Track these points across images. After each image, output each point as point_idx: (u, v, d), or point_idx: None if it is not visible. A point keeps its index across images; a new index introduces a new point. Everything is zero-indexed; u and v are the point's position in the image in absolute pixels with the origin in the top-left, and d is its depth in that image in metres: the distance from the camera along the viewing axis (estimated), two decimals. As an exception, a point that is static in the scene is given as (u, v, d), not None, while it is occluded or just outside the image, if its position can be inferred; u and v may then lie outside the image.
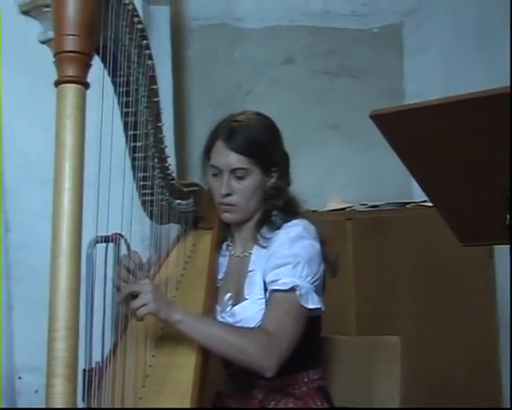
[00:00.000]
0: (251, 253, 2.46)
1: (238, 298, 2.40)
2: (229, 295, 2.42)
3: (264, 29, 4.00)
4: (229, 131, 2.41)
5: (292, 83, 3.99)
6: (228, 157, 2.39)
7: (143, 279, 2.15)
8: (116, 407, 2.00)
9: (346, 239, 3.64)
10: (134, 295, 2.08)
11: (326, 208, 3.83)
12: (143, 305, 2.07)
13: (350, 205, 3.88)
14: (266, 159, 2.42)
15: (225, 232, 2.55)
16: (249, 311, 2.34)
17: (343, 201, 3.89)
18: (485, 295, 3.75)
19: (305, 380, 2.41)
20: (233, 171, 2.39)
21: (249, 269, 2.43)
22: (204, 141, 2.50)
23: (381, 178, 3.38)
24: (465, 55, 4.11)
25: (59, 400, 1.62)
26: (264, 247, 2.41)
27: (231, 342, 2.20)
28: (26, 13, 2.94)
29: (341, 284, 3.34)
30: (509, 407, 3.41)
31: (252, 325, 2.31)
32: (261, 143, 2.42)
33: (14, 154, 2.97)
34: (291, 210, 2.46)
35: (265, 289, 2.34)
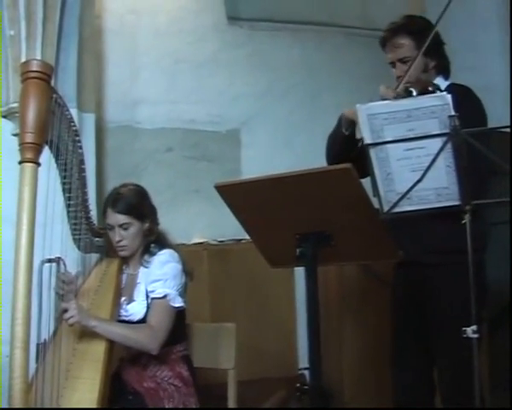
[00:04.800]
0: (139, 272, 2.46)
1: (130, 300, 2.42)
2: (124, 298, 2.43)
3: (154, 129, 3.99)
4: (113, 201, 2.43)
5: (171, 164, 3.99)
6: (115, 218, 2.41)
7: (72, 294, 2.19)
8: (55, 365, 1.99)
9: (203, 262, 3.64)
10: (65, 310, 2.10)
11: (192, 242, 3.84)
12: (71, 317, 2.09)
13: (206, 240, 3.90)
14: (140, 213, 2.44)
15: (124, 260, 2.53)
16: (136, 308, 2.37)
17: (202, 237, 3.91)
18: (288, 297, 3.85)
19: (174, 351, 2.42)
20: (120, 225, 2.41)
21: (137, 282, 2.44)
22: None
23: (225, 223, 3.43)
24: (278, 148, 4.20)
25: (18, 362, 1.65)
26: (146, 267, 2.43)
27: (127, 335, 2.24)
28: (4, 117, 2.96)
29: (200, 291, 3.34)
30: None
31: (137, 318, 2.35)
32: (135, 205, 2.44)
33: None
34: (162, 243, 2.48)
35: (147, 296, 2.37)
